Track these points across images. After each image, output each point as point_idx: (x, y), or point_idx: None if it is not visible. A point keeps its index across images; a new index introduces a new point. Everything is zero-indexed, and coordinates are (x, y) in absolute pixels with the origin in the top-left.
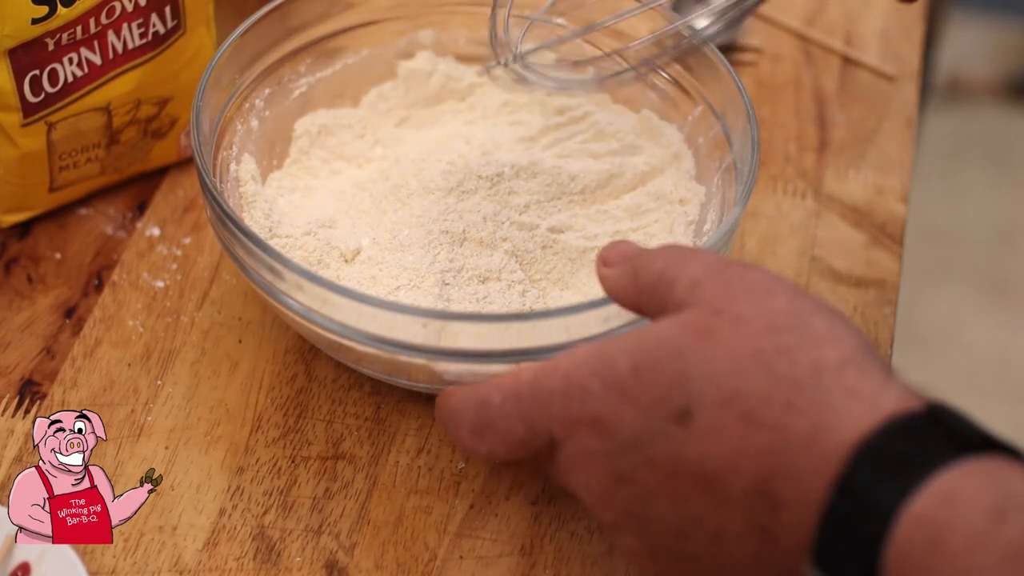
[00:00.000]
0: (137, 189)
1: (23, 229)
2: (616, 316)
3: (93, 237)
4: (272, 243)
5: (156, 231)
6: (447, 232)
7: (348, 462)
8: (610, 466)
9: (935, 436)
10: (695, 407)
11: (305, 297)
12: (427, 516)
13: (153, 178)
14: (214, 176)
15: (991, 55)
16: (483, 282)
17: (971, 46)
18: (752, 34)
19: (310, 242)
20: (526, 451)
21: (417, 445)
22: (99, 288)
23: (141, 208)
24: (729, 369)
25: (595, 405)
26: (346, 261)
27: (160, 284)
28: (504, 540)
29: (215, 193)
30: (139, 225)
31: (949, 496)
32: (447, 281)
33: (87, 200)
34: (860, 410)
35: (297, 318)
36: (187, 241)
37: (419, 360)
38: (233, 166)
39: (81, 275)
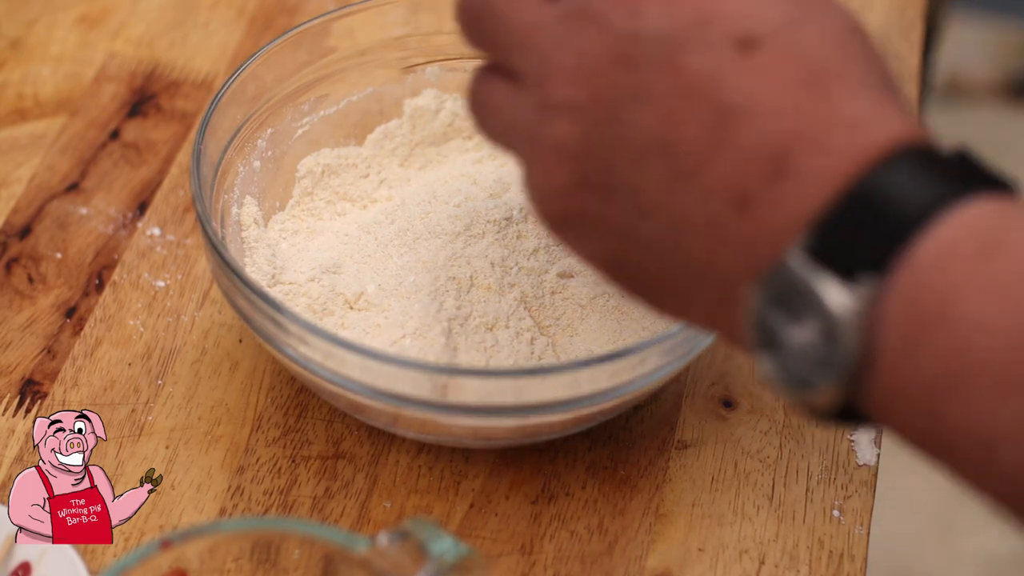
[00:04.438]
0: (138, 189)
1: (24, 229)
2: (625, 371)
3: (94, 237)
4: (276, 290)
5: (157, 231)
6: (454, 278)
7: (348, 461)
8: (622, 46)
9: (978, 164)
10: (767, 43)
11: (308, 349)
12: (427, 515)
13: (154, 178)
14: (215, 220)
15: (991, 55)
16: (491, 330)
17: (971, 46)
18: None
19: (315, 288)
20: None
21: (417, 444)
22: (100, 288)
23: (142, 208)
24: (819, 34)
25: None
26: (351, 307)
27: (161, 284)
28: (504, 539)
29: (216, 243)
30: (140, 225)
31: (1003, 209)
32: (454, 329)
33: (88, 199)
34: (912, 124)
35: (300, 369)
36: (188, 241)
37: (424, 414)
38: (235, 209)
39: (82, 275)
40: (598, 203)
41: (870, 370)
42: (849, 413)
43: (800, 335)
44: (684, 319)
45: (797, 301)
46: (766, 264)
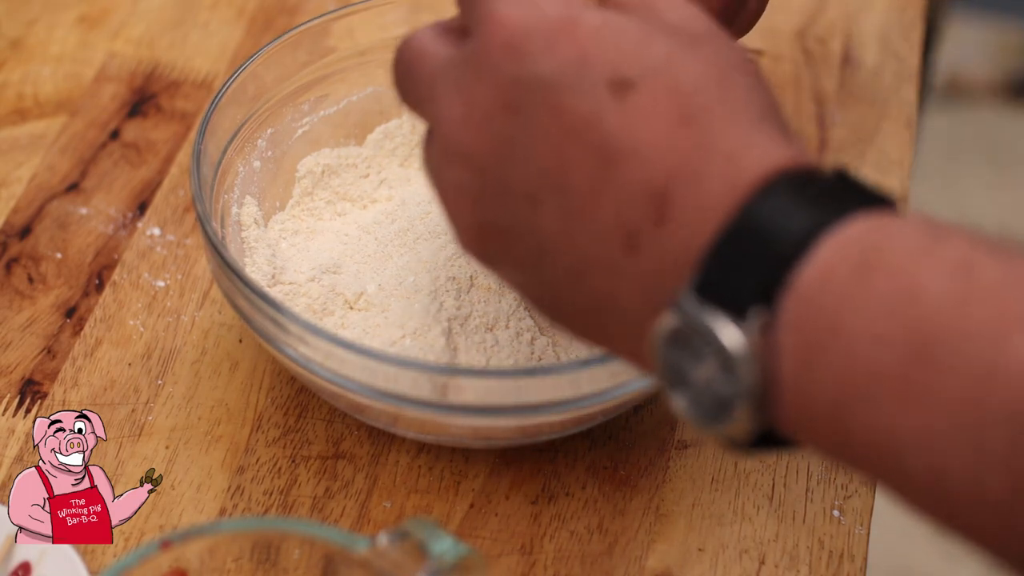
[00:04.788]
0: (138, 189)
1: (24, 229)
2: (626, 371)
3: (94, 237)
4: (276, 290)
5: (157, 231)
6: (454, 278)
7: (348, 461)
8: (507, 91)
9: (856, 183)
10: (642, 83)
11: (308, 349)
12: (427, 515)
13: (154, 178)
14: (215, 220)
15: (991, 55)
16: (491, 330)
17: (971, 46)
18: (751, 35)
19: (315, 289)
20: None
21: (417, 444)
22: (100, 288)
23: (142, 208)
24: (694, 68)
25: (535, 22)
26: (351, 307)
27: (161, 284)
28: (504, 539)
29: (216, 243)
30: (140, 225)
31: (879, 224)
32: (454, 329)
33: (88, 199)
34: (789, 150)
35: (300, 369)
36: (188, 241)
37: (425, 414)
38: (235, 209)
39: (82, 275)
40: (504, 242)
41: (776, 396)
42: (770, 439)
43: (703, 372)
44: (608, 351)
45: (694, 340)
46: (663, 304)
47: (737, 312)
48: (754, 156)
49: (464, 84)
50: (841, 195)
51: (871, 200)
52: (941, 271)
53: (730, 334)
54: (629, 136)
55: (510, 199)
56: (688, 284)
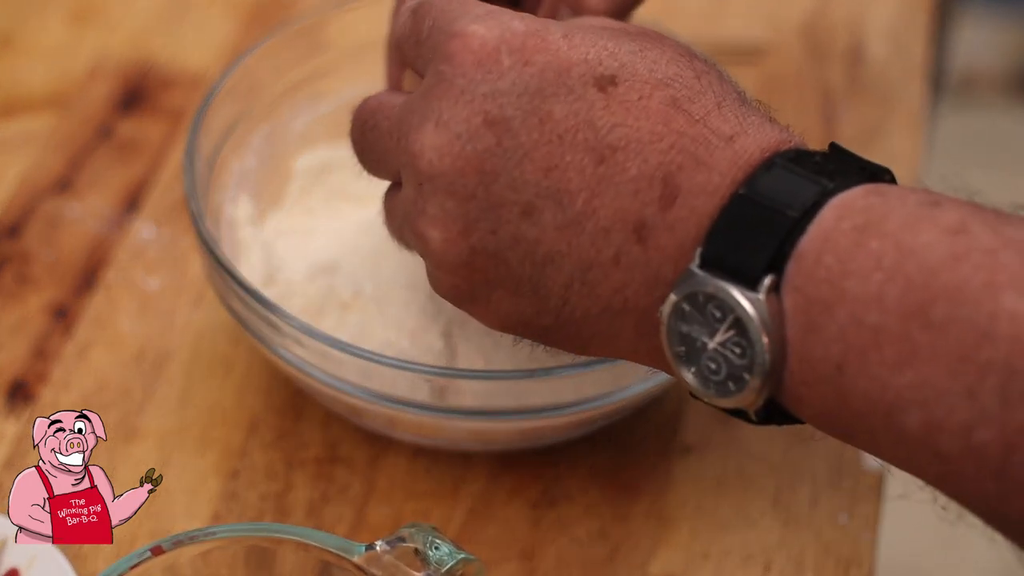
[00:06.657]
0: (131, 187)
1: (13, 228)
2: (628, 375)
3: (86, 236)
4: (271, 290)
5: (150, 230)
6: None
7: (345, 465)
8: (487, 105)
9: (853, 156)
10: (624, 77)
11: (304, 351)
12: (425, 520)
13: (147, 176)
14: (209, 219)
15: (1004, 53)
16: (490, 332)
17: (984, 43)
18: (758, 29)
19: (311, 289)
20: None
21: (415, 448)
22: (91, 288)
23: (135, 206)
24: (667, 60)
25: (503, 36)
26: (348, 308)
27: (154, 284)
28: (504, 545)
29: (209, 242)
30: (133, 224)
31: (877, 191)
32: (453, 331)
33: (79, 198)
34: (779, 131)
35: (295, 372)
36: (182, 241)
37: (423, 417)
38: (229, 207)
39: (73, 275)
40: (498, 266)
41: (783, 362)
42: (775, 413)
43: (717, 343)
44: (609, 355)
45: (708, 312)
46: (673, 284)
47: (748, 280)
48: (752, 136)
49: (437, 110)
50: (842, 167)
51: (869, 172)
52: (937, 233)
53: (743, 302)
54: (621, 129)
55: (504, 215)
56: (699, 259)
